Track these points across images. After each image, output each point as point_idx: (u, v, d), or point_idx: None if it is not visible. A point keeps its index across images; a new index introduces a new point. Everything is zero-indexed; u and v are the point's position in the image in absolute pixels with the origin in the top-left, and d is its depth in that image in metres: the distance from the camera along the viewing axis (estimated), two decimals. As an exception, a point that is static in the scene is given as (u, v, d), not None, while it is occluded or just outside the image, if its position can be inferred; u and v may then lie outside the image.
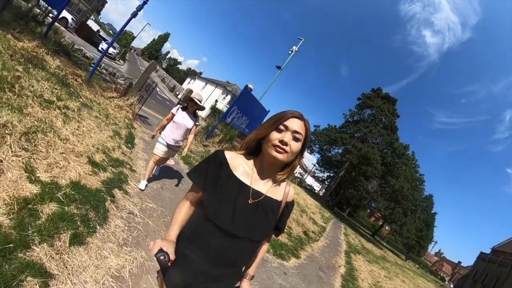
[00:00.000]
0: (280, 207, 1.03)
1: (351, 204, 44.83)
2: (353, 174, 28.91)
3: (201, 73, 44.66)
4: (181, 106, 3.35)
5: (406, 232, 27.49)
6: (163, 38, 76.91)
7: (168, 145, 3.36)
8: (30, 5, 7.78)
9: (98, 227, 2.14)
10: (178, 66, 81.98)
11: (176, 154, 3.67)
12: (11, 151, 2.31)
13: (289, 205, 1.07)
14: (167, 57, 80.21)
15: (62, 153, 2.73)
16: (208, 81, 36.76)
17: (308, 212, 11.95)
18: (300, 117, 0.96)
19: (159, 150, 3.35)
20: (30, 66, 4.48)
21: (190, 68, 78.98)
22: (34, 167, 2.30)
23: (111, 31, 66.42)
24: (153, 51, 75.21)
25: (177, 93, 33.53)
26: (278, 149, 0.91)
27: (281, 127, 0.93)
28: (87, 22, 26.73)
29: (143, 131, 6.20)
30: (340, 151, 29.28)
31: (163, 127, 3.43)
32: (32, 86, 3.81)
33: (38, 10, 7.48)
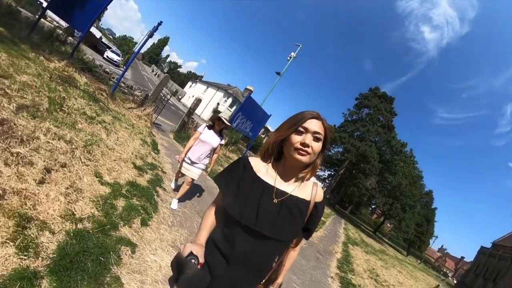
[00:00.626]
0: (309, 207, 1.01)
1: (352, 202, 45.54)
2: (353, 172, 29.72)
3: (202, 76, 45.40)
4: (207, 125, 3.47)
5: (405, 227, 28.26)
6: (163, 42, 77.71)
7: (192, 162, 3.43)
8: (53, 25, 8.57)
9: (153, 214, 2.91)
10: (178, 69, 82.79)
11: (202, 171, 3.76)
12: (81, 162, 3.06)
13: (319, 206, 1.05)
14: (167, 60, 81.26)
15: (115, 160, 3.49)
16: (209, 84, 37.54)
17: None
18: (318, 117, 0.98)
19: (184, 168, 3.48)
20: (67, 86, 5.23)
21: (190, 72, 79.84)
22: (100, 173, 3.05)
23: (111, 36, 67.34)
24: (153, 55, 76.04)
25: (180, 97, 34.22)
26: (301, 151, 0.93)
27: (301, 129, 0.95)
28: (90, 29, 27.59)
29: (160, 137, 6.96)
30: (340, 150, 30.07)
31: (190, 148, 3.48)
32: (74, 104, 4.56)
33: (60, 31, 8.26)
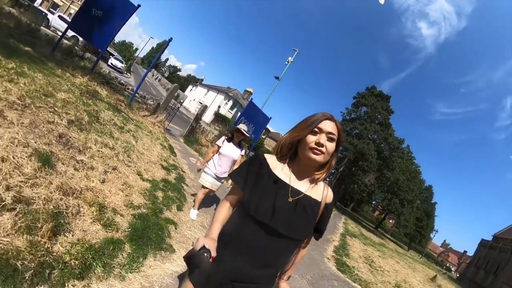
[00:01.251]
0: (320, 207, 1.05)
1: (354, 199, 46.23)
2: (352, 170, 30.51)
3: (202, 80, 46.27)
4: (226, 138, 3.50)
5: (404, 221, 29.05)
6: (162, 46, 78.68)
7: (217, 177, 3.45)
8: (71, 42, 9.36)
9: (184, 202, 3.71)
10: (178, 73, 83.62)
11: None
12: (125, 164, 3.84)
13: (329, 207, 1.09)
14: (166, 64, 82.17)
15: (147, 162, 4.27)
16: (209, 87, 38.42)
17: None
18: (331, 118, 1.01)
19: (208, 181, 3.45)
20: (94, 99, 5.99)
21: (190, 75, 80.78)
22: (140, 172, 3.84)
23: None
24: (153, 59, 76.90)
25: (182, 101, 34.98)
26: (316, 151, 0.96)
27: (316, 129, 0.98)
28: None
29: (173, 142, 7.76)
30: (339, 148, 30.86)
31: (208, 161, 3.53)
32: (105, 116, 5.32)
33: (77, 48, 9.05)
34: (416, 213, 41.71)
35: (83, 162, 3.12)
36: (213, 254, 0.84)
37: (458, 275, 48.16)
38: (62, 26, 21.93)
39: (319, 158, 0.96)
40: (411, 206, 30.45)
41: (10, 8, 8.61)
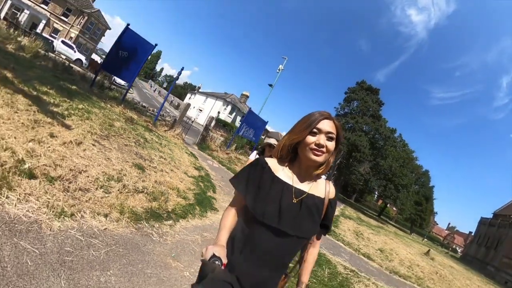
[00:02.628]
0: (324, 204, 1.08)
1: (356, 190, 48.08)
2: (349, 161, 32.59)
3: (199, 87, 48.30)
4: (258, 152, 3.59)
5: (400, 204, 31.11)
6: (156, 57, 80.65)
7: None
8: (101, 76, 11.33)
9: (215, 188, 5.73)
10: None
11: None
12: (175, 167, 5.83)
13: (332, 202, 1.12)
14: (162, 74, 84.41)
15: (186, 165, 6.26)
16: (208, 95, 40.49)
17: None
18: (329, 117, 1.03)
19: None
20: (135, 124, 7.94)
21: (186, 82, 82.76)
22: (185, 172, 5.82)
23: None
24: (148, 70, 78.98)
25: (194, 119, 36.81)
26: (316, 152, 0.98)
27: (315, 130, 0.99)
28: (92, 57, 30.48)
29: (191, 149, 9.76)
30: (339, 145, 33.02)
31: None
32: (148, 137, 7.29)
33: (106, 81, 11.06)
34: (414, 197, 43.58)
35: (156, 168, 5.11)
36: (224, 261, 0.85)
37: (461, 255, 49.53)
38: (65, 50, 23.88)
39: (319, 158, 0.99)
40: (406, 190, 32.35)
41: (44, 52, 10.56)
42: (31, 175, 2.45)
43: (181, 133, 10.39)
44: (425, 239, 49.41)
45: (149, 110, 11.09)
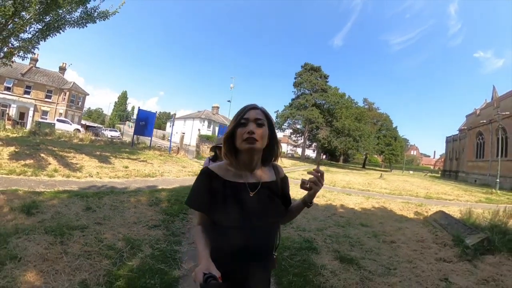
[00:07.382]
0: (278, 185, 1.14)
1: (341, 153, 54.62)
2: (312, 132, 40.17)
3: (174, 114, 54.01)
4: (210, 158, 3.49)
5: (364, 150, 38.87)
6: (123, 98, 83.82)
7: None
8: (136, 141, 17.91)
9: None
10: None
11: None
12: (190, 167, 12.67)
13: (284, 179, 1.19)
14: (134, 112, 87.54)
15: (195, 166, 13.03)
16: (185, 118, 46.53)
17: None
18: (255, 107, 1.09)
19: None
20: (164, 157, 14.73)
21: (164, 112, 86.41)
22: (195, 169, 12.60)
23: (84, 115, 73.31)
24: (121, 112, 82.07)
25: (169, 139, 42.75)
26: (249, 139, 1.00)
27: (243, 120, 1.04)
28: (83, 123, 35.50)
29: (194, 161, 16.51)
30: (296, 121, 40.63)
31: None
32: (178, 161, 14.10)
33: (135, 141, 17.67)
34: (382, 140, 51.35)
35: (186, 168, 11.97)
36: (217, 274, 0.84)
37: (440, 172, 55.69)
38: (63, 127, 27.66)
39: (254, 145, 1.00)
40: (367, 136, 38.85)
41: (92, 137, 17.02)
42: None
43: (185, 153, 17.11)
44: (404, 170, 56.21)
45: (159, 146, 17.80)
